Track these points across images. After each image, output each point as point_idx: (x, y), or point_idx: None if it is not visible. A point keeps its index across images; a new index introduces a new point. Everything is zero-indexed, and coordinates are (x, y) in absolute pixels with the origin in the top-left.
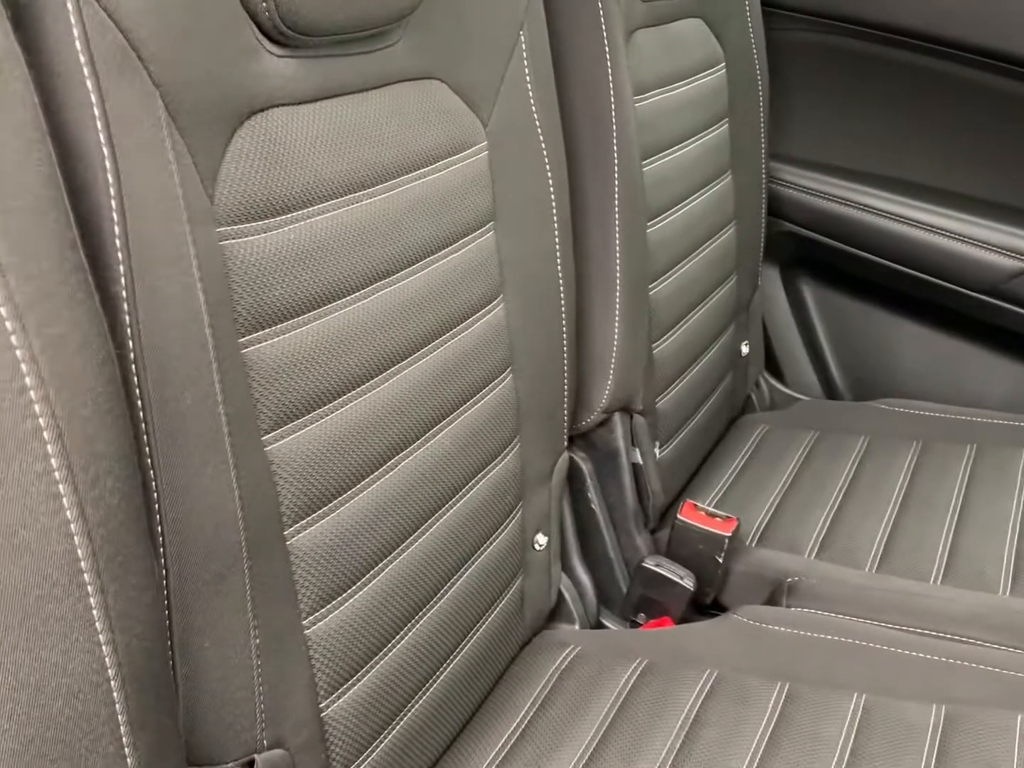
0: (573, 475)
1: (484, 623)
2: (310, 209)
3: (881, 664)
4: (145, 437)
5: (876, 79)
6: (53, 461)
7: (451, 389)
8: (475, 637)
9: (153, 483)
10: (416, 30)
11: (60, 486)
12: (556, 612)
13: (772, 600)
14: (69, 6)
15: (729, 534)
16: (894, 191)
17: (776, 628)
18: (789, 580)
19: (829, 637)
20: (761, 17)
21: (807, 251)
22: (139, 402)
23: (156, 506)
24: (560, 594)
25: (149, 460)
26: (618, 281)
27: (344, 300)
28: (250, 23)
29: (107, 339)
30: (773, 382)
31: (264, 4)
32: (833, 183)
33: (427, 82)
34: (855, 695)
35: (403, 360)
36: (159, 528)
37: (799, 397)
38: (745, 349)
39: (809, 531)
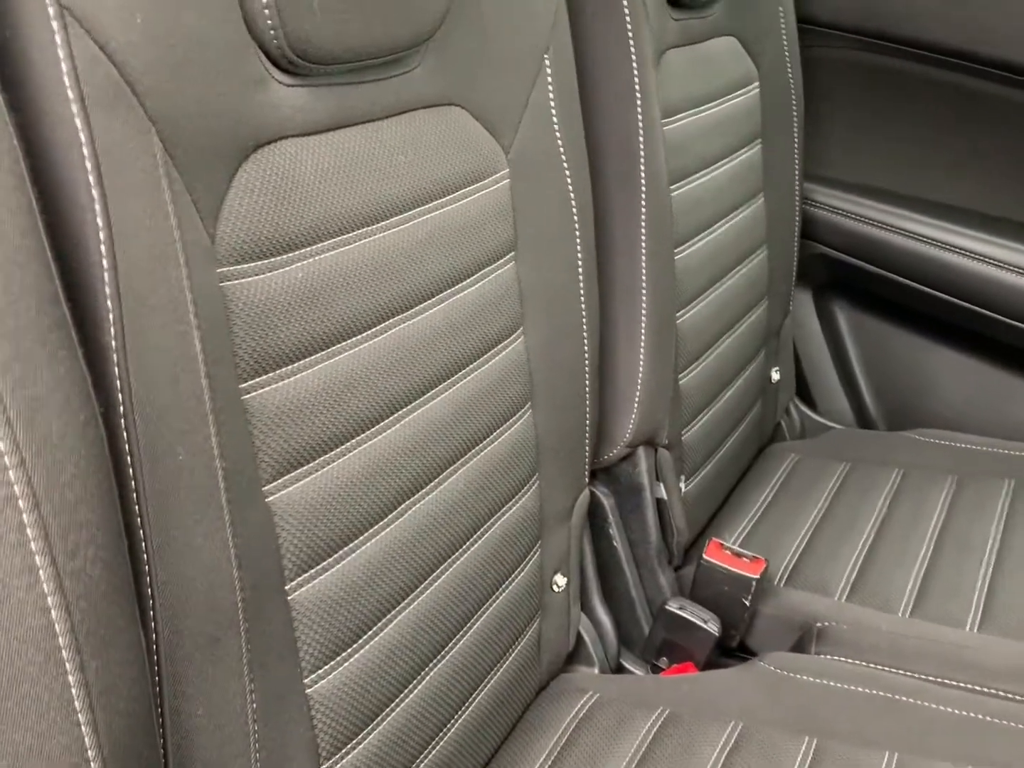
0: (594, 511)
1: (499, 670)
2: (319, 245)
3: (914, 720)
4: (134, 496)
5: (915, 98)
6: (29, 531)
7: (467, 428)
8: (489, 685)
9: (143, 543)
10: (436, 54)
11: (36, 558)
12: (574, 654)
13: (800, 645)
14: (58, 39)
15: (757, 576)
16: (932, 215)
17: (804, 678)
18: (818, 625)
19: (860, 689)
20: (797, 34)
21: (841, 274)
22: (128, 458)
23: (146, 567)
24: (579, 636)
25: (139, 519)
26: (644, 311)
27: (354, 339)
28: (257, 51)
29: (91, 398)
30: (804, 409)
31: (272, 32)
32: (869, 205)
33: (446, 108)
34: (887, 754)
35: (417, 399)
36: (148, 591)
37: (831, 425)
38: (775, 376)
39: (840, 571)
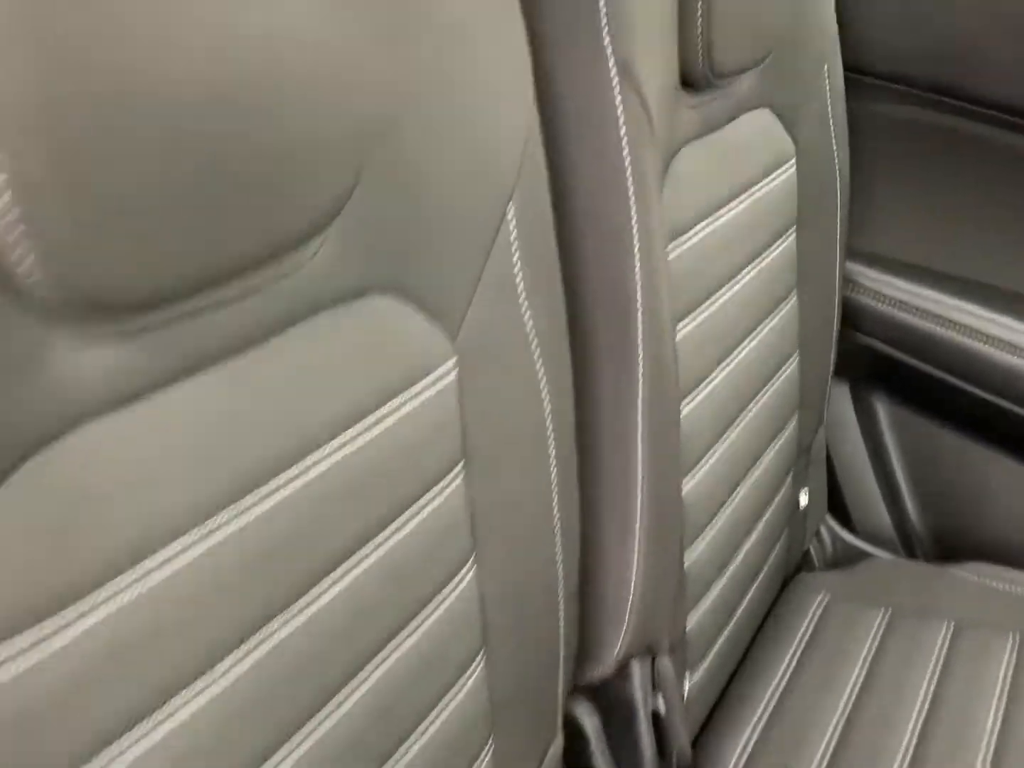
0: (573, 736)
1: None
2: (136, 569)
3: None
4: None
5: (980, 167)
6: None
7: (389, 730)
8: None
9: None
10: (346, 230)
11: None
12: None
13: None
14: None
15: None
16: (996, 308)
17: None
18: None
19: None
20: (843, 93)
21: (885, 370)
22: None
23: None
24: None
25: None
26: (639, 502)
27: (200, 682)
28: (22, 317)
29: None
30: (837, 529)
31: (40, 286)
32: (920, 294)
33: (366, 300)
34: None
35: (308, 722)
36: None
37: (868, 551)
38: (804, 499)
39: None
